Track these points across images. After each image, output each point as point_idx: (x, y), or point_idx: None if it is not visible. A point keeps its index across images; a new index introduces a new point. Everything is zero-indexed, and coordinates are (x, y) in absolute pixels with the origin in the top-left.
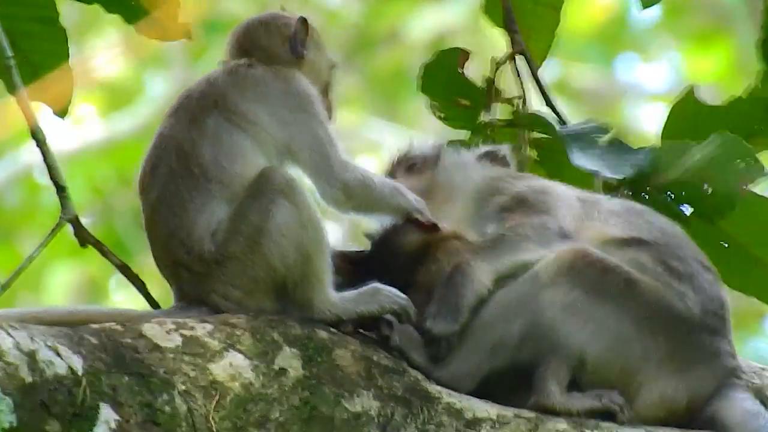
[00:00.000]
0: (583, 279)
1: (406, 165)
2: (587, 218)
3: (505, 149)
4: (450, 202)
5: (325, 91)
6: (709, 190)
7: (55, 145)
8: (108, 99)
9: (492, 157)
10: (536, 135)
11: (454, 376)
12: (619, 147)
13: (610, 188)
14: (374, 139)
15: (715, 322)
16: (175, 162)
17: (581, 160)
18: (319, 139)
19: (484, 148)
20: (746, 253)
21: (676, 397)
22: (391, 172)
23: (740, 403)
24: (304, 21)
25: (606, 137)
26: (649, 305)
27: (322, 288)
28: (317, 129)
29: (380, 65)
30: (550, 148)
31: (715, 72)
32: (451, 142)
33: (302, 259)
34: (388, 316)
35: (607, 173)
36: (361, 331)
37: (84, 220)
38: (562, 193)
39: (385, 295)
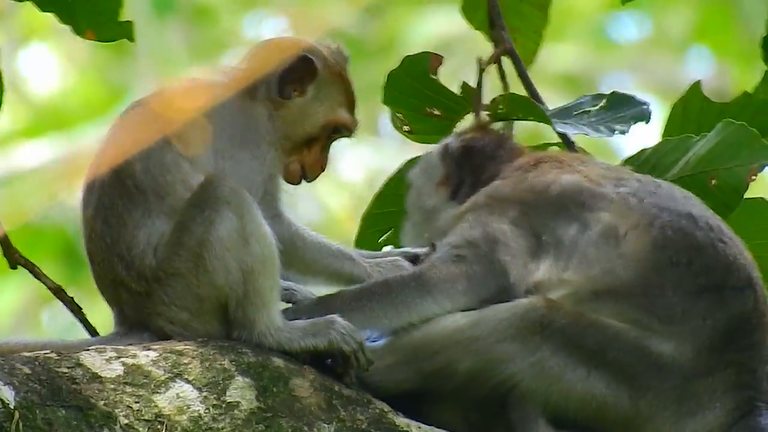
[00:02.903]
0: (554, 339)
1: None
2: (556, 268)
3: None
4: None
5: (307, 144)
6: (713, 182)
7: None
8: (72, 112)
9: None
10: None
11: (373, 384)
12: (617, 102)
13: None
14: (365, 159)
15: (712, 358)
16: (108, 175)
17: (565, 127)
18: (255, 186)
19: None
20: (762, 268)
21: None
22: None
23: None
24: (305, 60)
25: (601, 103)
26: (630, 363)
27: (267, 309)
28: (254, 174)
29: (375, 77)
30: None
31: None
32: None
33: (244, 276)
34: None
35: (594, 134)
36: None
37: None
38: (518, 244)
39: (338, 330)
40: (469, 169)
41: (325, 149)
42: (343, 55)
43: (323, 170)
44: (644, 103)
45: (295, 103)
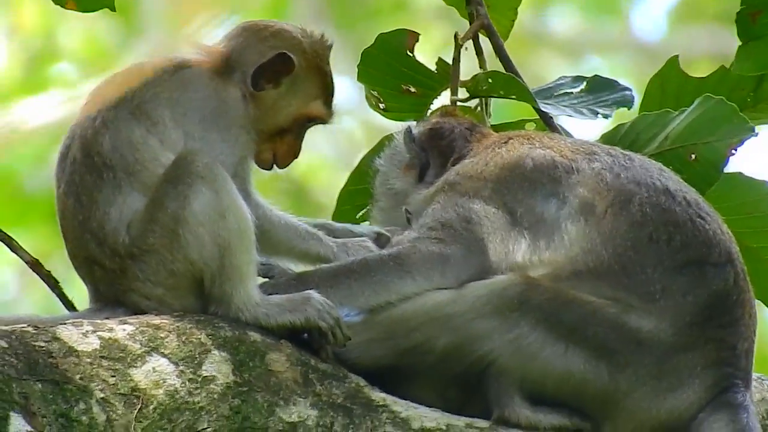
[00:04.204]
0: (532, 315)
1: None
2: (536, 248)
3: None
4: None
5: (280, 134)
6: (693, 156)
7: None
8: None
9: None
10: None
11: (350, 360)
12: (598, 86)
13: None
14: (371, 117)
15: (693, 334)
16: (78, 151)
17: (547, 107)
18: (224, 167)
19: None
20: (739, 243)
21: (658, 422)
22: None
23: (726, 427)
24: (283, 57)
25: (582, 86)
26: (609, 338)
27: (243, 285)
28: (224, 156)
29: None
30: None
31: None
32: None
33: (221, 251)
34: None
35: (577, 116)
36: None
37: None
38: (493, 223)
39: (315, 307)
40: (437, 151)
41: (299, 138)
42: (326, 45)
43: (296, 158)
44: (626, 88)
45: (269, 96)
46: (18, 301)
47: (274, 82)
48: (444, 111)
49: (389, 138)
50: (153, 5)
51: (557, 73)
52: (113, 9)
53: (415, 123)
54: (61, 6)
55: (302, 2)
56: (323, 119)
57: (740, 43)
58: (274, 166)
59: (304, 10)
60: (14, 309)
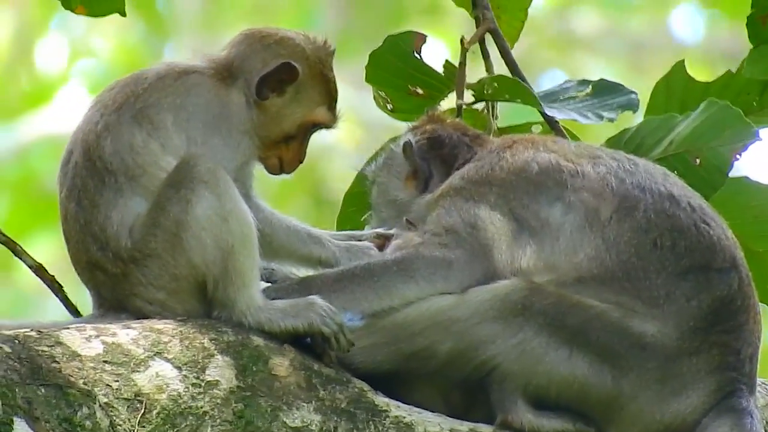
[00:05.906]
0: (536, 320)
1: None
2: (541, 254)
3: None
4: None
5: (285, 140)
6: (697, 161)
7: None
8: (107, 74)
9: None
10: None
11: (353, 364)
12: (604, 90)
13: None
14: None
15: (697, 339)
16: (80, 155)
17: (552, 111)
18: (227, 170)
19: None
20: (744, 247)
21: (661, 426)
22: None
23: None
24: (287, 66)
25: (587, 90)
26: (613, 343)
27: (247, 289)
28: (226, 161)
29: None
30: None
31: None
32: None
33: (224, 255)
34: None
35: (582, 120)
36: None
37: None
38: (498, 229)
39: (318, 312)
40: (439, 160)
41: (304, 143)
42: (328, 51)
43: (301, 162)
44: (631, 92)
45: (274, 104)
46: (42, 303)
47: (278, 91)
48: (431, 117)
49: (384, 148)
50: (184, 10)
51: (589, 74)
52: (124, 14)
53: (409, 134)
54: (70, 10)
55: (330, 8)
56: (328, 125)
57: (751, 46)
58: (281, 173)
59: (332, 16)
60: (36, 312)
